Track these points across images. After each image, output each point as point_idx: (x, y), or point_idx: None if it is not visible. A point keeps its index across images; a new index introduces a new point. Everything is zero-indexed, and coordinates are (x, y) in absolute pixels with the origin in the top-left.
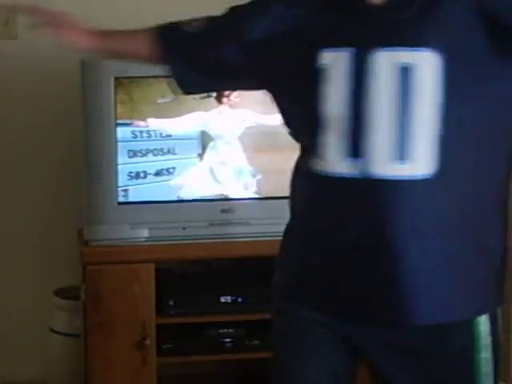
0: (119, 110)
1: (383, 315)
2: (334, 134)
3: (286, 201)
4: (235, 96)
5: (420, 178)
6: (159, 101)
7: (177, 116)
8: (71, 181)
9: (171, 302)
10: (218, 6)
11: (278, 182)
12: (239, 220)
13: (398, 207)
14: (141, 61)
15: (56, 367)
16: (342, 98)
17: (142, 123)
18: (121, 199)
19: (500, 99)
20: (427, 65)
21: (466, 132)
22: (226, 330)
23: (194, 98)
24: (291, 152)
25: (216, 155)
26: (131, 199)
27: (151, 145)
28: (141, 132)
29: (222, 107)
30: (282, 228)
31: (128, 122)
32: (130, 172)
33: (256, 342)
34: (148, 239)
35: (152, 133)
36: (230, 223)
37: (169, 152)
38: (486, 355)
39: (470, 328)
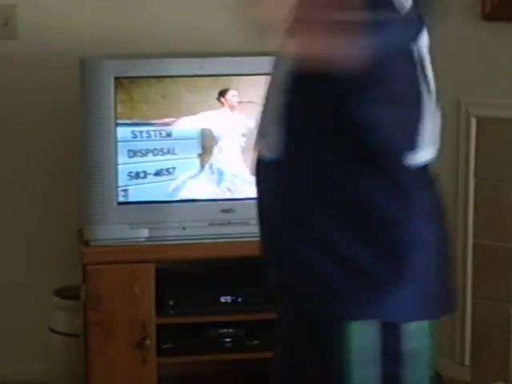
0: (119, 110)
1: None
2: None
3: None
4: (235, 96)
5: (269, 159)
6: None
7: (177, 116)
8: (71, 181)
9: (171, 302)
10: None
11: None
12: (239, 220)
13: (260, 184)
14: None
15: (56, 367)
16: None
17: (142, 123)
18: (121, 199)
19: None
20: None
21: (303, 119)
22: (225, 330)
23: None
24: None
25: (216, 155)
26: (131, 199)
27: (151, 145)
28: (141, 132)
29: (223, 107)
30: None
31: (128, 122)
32: (130, 172)
33: (256, 342)
34: (148, 239)
35: (152, 133)
36: (229, 223)
37: (169, 152)
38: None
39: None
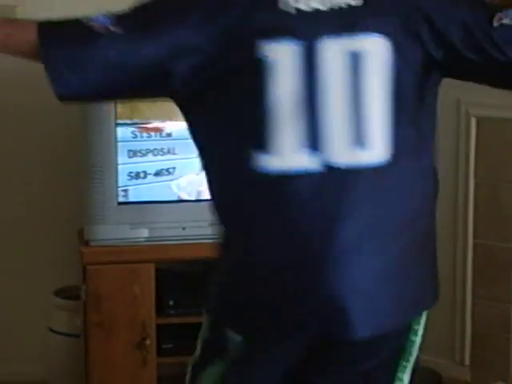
0: (119, 110)
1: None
2: (286, 128)
3: None
4: None
5: (376, 164)
6: None
7: (177, 116)
8: (71, 181)
9: (171, 302)
10: None
11: None
12: None
13: (358, 197)
14: (23, 55)
15: (56, 367)
16: (292, 90)
17: (142, 123)
18: (121, 199)
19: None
20: (377, 50)
21: (414, 120)
22: None
23: None
24: None
25: None
26: (131, 199)
27: (151, 145)
28: (141, 132)
29: None
30: None
31: (128, 122)
32: (130, 172)
33: None
34: (148, 239)
35: (152, 133)
36: None
37: (169, 152)
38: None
39: (406, 329)
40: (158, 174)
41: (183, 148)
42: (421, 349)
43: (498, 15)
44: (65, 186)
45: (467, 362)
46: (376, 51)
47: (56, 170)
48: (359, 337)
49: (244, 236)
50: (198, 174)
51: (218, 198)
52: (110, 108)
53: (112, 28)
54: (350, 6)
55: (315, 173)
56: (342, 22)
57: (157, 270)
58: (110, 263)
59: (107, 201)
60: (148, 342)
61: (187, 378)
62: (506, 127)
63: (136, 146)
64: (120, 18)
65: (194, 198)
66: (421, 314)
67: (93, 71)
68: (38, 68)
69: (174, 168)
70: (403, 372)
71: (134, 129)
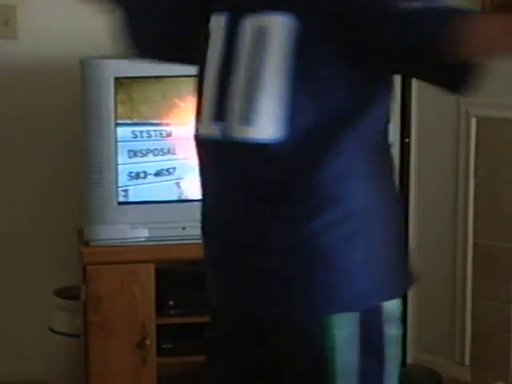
0: (119, 110)
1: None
2: (207, 97)
3: None
4: None
5: (265, 142)
6: None
7: (177, 116)
8: (71, 181)
9: (171, 302)
10: None
11: None
12: None
13: (245, 172)
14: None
15: (56, 367)
16: (216, 61)
17: (142, 123)
18: (121, 199)
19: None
20: (279, 27)
21: (311, 102)
22: None
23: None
24: None
25: None
26: (131, 199)
27: (151, 145)
28: (141, 132)
29: None
30: None
31: (128, 122)
32: (130, 172)
33: None
34: (148, 239)
35: (152, 133)
36: None
37: (169, 152)
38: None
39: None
40: (158, 174)
41: (183, 148)
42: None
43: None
44: (65, 186)
45: (467, 362)
46: (278, 29)
47: (56, 170)
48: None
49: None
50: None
51: None
52: (110, 108)
53: None
54: None
55: (219, 141)
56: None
57: (157, 270)
58: (110, 263)
59: (107, 201)
60: (148, 342)
61: None
62: (506, 127)
63: (136, 145)
64: None
65: (193, 198)
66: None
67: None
68: (38, 67)
69: (174, 168)
70: None
71: (134, 129)
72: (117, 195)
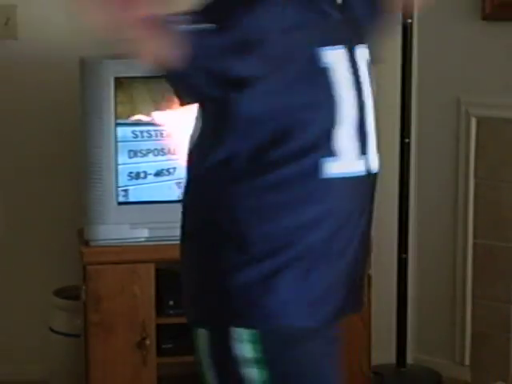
0: (119, 110)
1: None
2: (345, 132)
3: None
4: None
5: (373, 172)
6: None
7: (177, 116)
8: (71, 181)
9: (171, 302)
10: None
11: None
12: None
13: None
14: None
15: (56, 367)
16: (349, 97)
17: (142, 123)
18: (121, 199)
19: None
20: (366, 57)
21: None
22: None
23: None
24: None
25: None
26: (131, 199)
27: (152, 145)
28: (141, 132)
29: None
30: None
31: (128, 122)
32: (130, 172)
33: None
34: (148, 239)
35: (152, 133)
36: None
37: (169, 152)
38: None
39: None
40: (158, 174)
41: (183, 148)
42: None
43: None
44: (65, 186)
45: (467, 362)
46: (366, 59)
47: (56, 169)
48: None
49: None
50: None
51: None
52: (110, 108)
53: None
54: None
55: (363, 176)
56: (353, 30)
57: (157, 270)
58: (110, 263)
59: (107, 201)
60: (148, 342)
61: None
62: (506, 127)
63: (136, 146)
64: None
65: None
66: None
67: None
68: (38, 67)
69: (174, 168)
70: None
71: (134, 129)
72: (117, 195)
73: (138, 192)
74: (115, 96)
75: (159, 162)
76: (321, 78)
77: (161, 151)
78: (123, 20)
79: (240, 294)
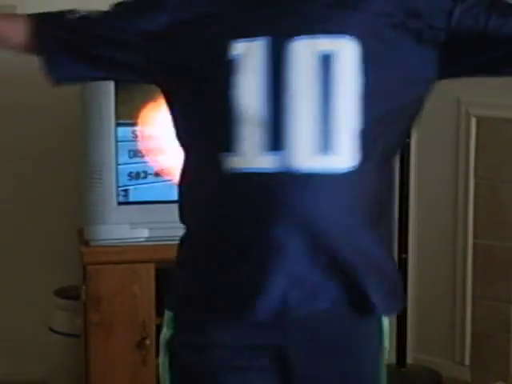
0: (119, 110)
1: None
2: (250, 127)
3: None
4: None
5: (343, 171)
6: None
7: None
8: (71, 181)
9: None
10: None
11: None
12: None
13: (324, 202)
14: (13, 47)
15: (56, 367)
16: (259, 89)
17: (142, 123)
18: (121, 199)
19: (412, 100)
20: (348, 53)
21: (382, 127)
22: None
23: None
24: None
25: None
26: (131, 199)
27: (152, 145)
28: (141, 132)
29: None
30: None
31: (128, 121)
32: (130, 172)
33: None
34: (148, 239)
35: (153, 133)
36: None
37: (169, 152)
38: None
39: None
40: (158, 174)
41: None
42: None
43: None
44: (65, 186)
45: (467, 362)
46: (347, 53)
47: (56, 169)
48: None
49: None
50: None
51: (187, 196)
52: (110, 108)
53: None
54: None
55: (275, 174)
56: (312, 20)
57: (157, 270)
58: (109, 263)
59: (107, 201)
60: (148, 342)
61: None
62: (506, 127)
63: (136, 146)
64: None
65: None
66: None
67: (80, 43)
68: (38, 67)
69: (174, 168)
70: None
71: (134, 129)
72: (117, 195)
73: (138, 192)
74: (115, 96)
75: (159, 162)
76: (224, 72)
77: (161, 151)
78: None
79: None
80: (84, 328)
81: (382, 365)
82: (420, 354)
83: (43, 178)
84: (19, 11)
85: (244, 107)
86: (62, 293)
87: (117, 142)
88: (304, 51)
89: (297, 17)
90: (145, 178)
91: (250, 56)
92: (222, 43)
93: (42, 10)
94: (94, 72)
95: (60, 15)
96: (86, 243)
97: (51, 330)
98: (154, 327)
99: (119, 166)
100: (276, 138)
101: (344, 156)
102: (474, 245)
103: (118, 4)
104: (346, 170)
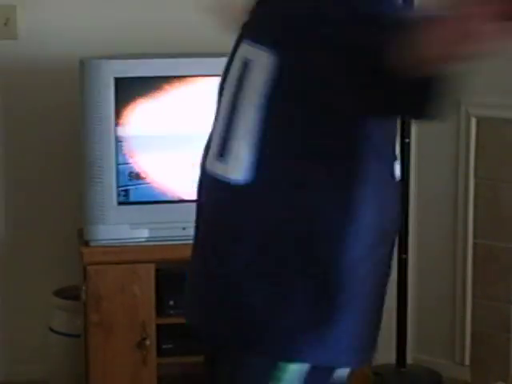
0: (119, 110)
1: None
2: (215, 134)
3: None
4: None
5: (232, 182)
6: None
7: (177, 115)
8: (71, 181)
9: (171, 302)
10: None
11: None
12: None
13: (211, 206)
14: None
15: (56, 367)
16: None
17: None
18: (121, 199)
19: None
20: (261, 62)
21: (282, 145)
22: None
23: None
24: None
25: None
26: (131, 199)
27: (152, 145)
28: (141, 132)
29: None
30: None
31: (128, 121)
32: (130, 172)
33: None
34: (148, 239)
35: (153, 132)
36: None
37: (169, 152)
38: None
39: None
40: (158, 173)
41: (184, 148)
42: None
43: None
44: (65, 186)
45: (467, 362)
46: (260, 63)
47: (56, 169)
48: None
49: None
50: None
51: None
52: (110, 108)
53: None
54: (255, 11)
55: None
56: (249, 28)
57: (157, 270)
58: (110, 263)
59: (107, 201)
60: (148, 342)
61: None
62: (506, 127)
63: (136, 146)
64: None
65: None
66: None
67: None
68: (38, 68)
69: (174, 168)
70: None
71: (134, 129)
72: (117, 195)
73: (138, 192)
74: (115, 96)
75: (159, 162)
76: None
77: (161, 151)
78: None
79: None
80: (84, 328)
81: None
82: (420, 354)
83: (43, 178)
84: (19, 11)
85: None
86: (61, 293)
87: (117, 141)
88: (238, 55)
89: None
90: (145, 177)
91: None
92: None
93: (41, 10)
94: None
95: None
96: (86, 243)
97: (51, 330)
98: (154, 327)
99: (119, 166)
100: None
101: (237, 166)
102: (474, 245)
103: None
104: (233, 182)
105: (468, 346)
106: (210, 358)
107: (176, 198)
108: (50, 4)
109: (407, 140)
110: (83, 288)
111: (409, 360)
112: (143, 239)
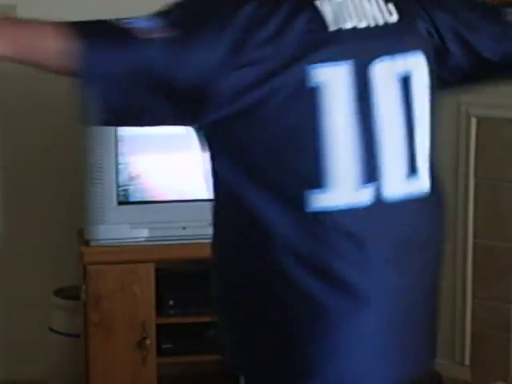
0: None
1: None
2: (343, 159)
3: None
4: None
5: (425, 194)
6: None
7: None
8: (71, 181)
9: (171, 302)
10: None
11: None
12: None
13: (418, 228)
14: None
15: (56, 367)
16: (348, 117)
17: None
18: (121, 199)
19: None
20: (421, 70)
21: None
22: None
23: None
24: None
25: None
26: (131, 199)
27: (152, 144)
28: (141, 132)
29: None
30: None
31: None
32: (130, 172)
33: None
34: (148, 239)
35: (153, 132)
36: None
37: (169, 152)
38: None
39: None
40: (158, 173)
41: (184, 147)
42: None
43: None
44: (65, 186)
45: (467, 361)
46: (419, 72)
47: (56, 169)
48: None
49: None
50: (197, 174)
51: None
52: None
53: (162, 32)
54: (387, 23)
55: (367, 206)
56: (387, 42)
57: (157, 270)
58: (110, 263)
59: (107, 201)
60: (148, 341)
61: None
62: (506, 127)
63: (136, 145)
64: (173, 20)
65: (193, 198)
66: None
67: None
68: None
69: (174, 167)
70: None
71: (134, 128)
72: (117, 195)
73: (138, 192)
74: None
75: (159, 162)
76: (307, 100)
77: (161, 151)
78: None
79: None
80: (84, 328)
81: None
82: None
83: (43, 177)
84: (19, 11)
85: (334, 137)
86: (61, 293)
87: (117, 141)
88: (386, 74)
89: (372, 39)
90: (145, 177)
91: (334, 82)
92: (298, 69)
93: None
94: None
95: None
96: (86, 243)
97: (51, 329)
98: (154, 327)
99: (119, 166)
100: (370, 168)
101: (425, 179)
102: (474, 245)
103: None
104: (426, 194)
105: (468, 346)
106: None
107: (176, 198)
108: (49, 4)
109: None
110: (83, 288)
111: None
112: (143, 239)
